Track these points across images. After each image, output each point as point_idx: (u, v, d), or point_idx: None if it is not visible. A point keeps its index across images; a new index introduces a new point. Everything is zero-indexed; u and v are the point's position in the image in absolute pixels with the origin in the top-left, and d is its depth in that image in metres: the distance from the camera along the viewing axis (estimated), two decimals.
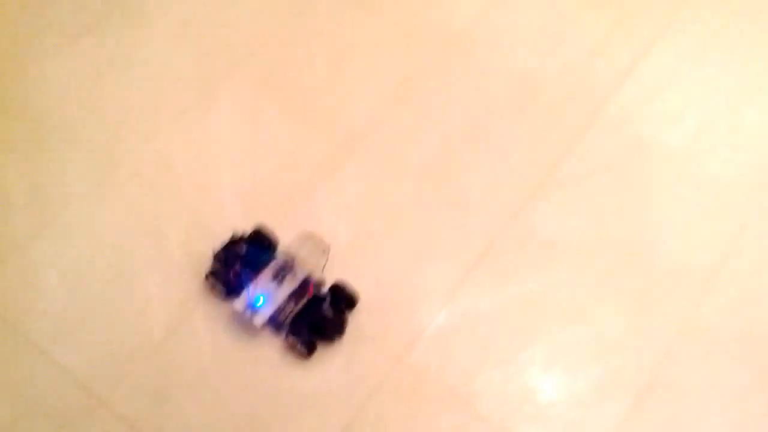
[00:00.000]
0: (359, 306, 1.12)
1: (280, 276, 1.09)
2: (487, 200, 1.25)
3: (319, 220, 1.21)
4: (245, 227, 1.16)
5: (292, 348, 1.09)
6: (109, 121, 1.34)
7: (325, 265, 1.12)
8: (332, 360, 1.09)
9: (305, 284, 1.10)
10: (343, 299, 1.12)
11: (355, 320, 1.12)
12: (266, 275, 1.10)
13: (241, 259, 1.11)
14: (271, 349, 1.10)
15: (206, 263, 1.14)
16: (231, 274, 1.11)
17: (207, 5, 1.50)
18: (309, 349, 1.08)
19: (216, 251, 1.14)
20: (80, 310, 1.14)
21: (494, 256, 1.18)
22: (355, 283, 1.12)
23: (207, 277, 1.14)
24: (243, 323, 1.11)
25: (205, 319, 1.13)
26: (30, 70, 1.40)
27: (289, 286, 1.09)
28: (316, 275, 1.11)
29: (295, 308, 1.09)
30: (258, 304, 1.07)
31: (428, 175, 1.28)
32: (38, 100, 1.37)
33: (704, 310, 1.13)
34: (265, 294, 1.08)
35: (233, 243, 1.14)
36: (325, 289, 1.12)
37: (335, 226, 1.20)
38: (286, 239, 1.14)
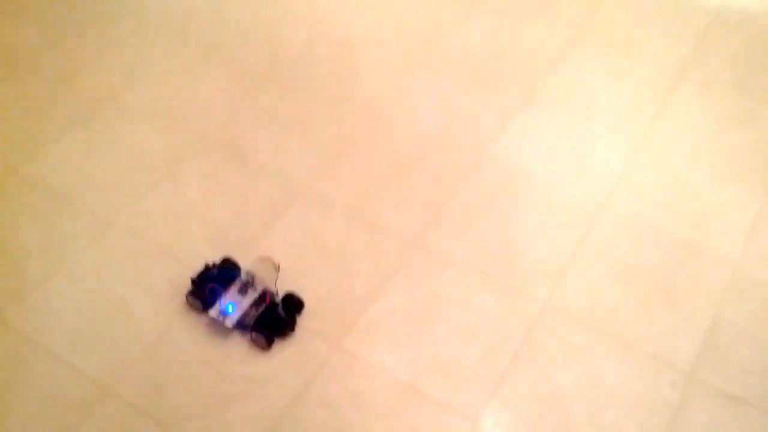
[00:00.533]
0: (305, 309, 1.50)
1: (244, 290, 1.47)
2: (399, 226, 1.65)
3: (270, 249, 1.59)
4: (215, 258, 1.54)
5: (255, 342, 1.45)
6: (103, 189, 1.72)
7: (277, 280, 1.49)
8: (287, 350, 1.46)
9: (263, 295, 1.47)
10: (293, 304, 1.49)
11: (302, 320, 1.49)
12: (233, 290, 1.47)
13: (214, 279, 1.49)
14: (239, 345, 1.46)
15: (186, 287, 1.51)
16: (206, 291, 1.48)
17: (174, 99, 1.92)
18: (268, 342, 1.44)
19: (193, 276, 1.51)
20: (89, 328, 1.48)
21: (406, 269, 1.58)
22: (301, 292, 1.50)
23: (187, 296, 1.50)
24: (217, 327, 1.47)
25: (187, 328, 1.48)
26: (39, 153, 1.78)
27: (251, 296, 1.46)
28: (271, 288, 1.48)
29: (256, 313, 1.46)
30: (228, 311, 1.44)
31: (351, 212, 1.68)
32: (47, 175, 1.74)
33: (557, 293, 1.54)
34: (233, 303, 1.45)
35: (206, 269, 1.52)
36: (279, 297, 1.49)
37: (283, 252, 1.58)
38: (246, 263, 1.52)
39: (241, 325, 1.45)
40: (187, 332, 1.48)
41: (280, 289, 1.49)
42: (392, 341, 1.47)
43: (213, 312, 1.45)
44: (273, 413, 1.37)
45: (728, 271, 1.58)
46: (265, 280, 1.48)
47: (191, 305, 1.50)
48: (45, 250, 1.61)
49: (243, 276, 1.49)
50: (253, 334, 1.44)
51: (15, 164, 1.76)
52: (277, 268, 1.50)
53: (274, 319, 1.46)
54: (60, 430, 1.35)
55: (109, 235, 1.64)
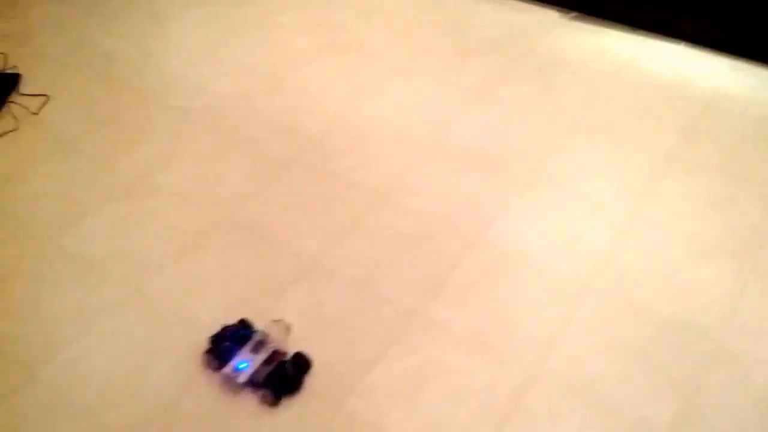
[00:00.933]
0: (313, 370, 1.63)
1: (256, 349, 1.61)
2: (401, 297, 1.79)
3: (282, 317, 1.74)
4: (231, 320, 1.69)
5: (264, 400, 1.58)
6: (133, 260, 1.90)
7: (287, 340, 1.63)
8: (293, 408, 1.58)
9: (274, 354, 1.61)
10: (301, 363, 1.62)
11: (309, 381, 1.62)
12: (247, 349, 1.61)
13: (229, 339, 1.63)
14: (250, 401, 1.59)
15: (203, 346, 1.65)
16: (221, 349, 1.62)
17: (202, 179, 2.12)
18: (276, 400, 1.57)
19: (212, 336, 1.66)
20: (115, 386, 1.63)
21: (405, 337, 1.71)
22: (310, 352, 1.64)
23: (204, 354, 1.64)
24: (230, 384, 1.60)
25: (203, 386, 1.62)
26: (78, 226, 1.98)
27: (263, 355, 1.60)
28: (282, 348, 1.62)
29: (266, 370, 1.59)
30: (241, 368, 1.58)
31: (357, 285, 1.83)
32: (84, 246, 1.93)
33: (544, 362, 1.65)
34: (246, 361, 1.59)
35: (223, 330, 1.67)
36: (289, 356, 1.63)
37: (293, 320, 1.73)
38: (260, 324, 1.67)
39: (251, 383, 1.58)
40: (202, 390, 1.61)
41: (290, 351, 1.63)
42: (390, 404, 1.59)
43: (227, 369, 1.59)
44: None
45: (707, 344, 1.69)
46: (277, 341, 1.63)
47: (208, 363, 1.64)
48: (78, 313, 1.77)
49: (257, 336, 1.64)
50: (263, 392, 1.58)
51: (56, 235, 1.96)
52: (288, 330, 1.64)
53: (283, 377, 1.59)
54: None
55: (136, 301, 1.80)
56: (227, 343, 1.62)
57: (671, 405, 1.58)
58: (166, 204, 2.05)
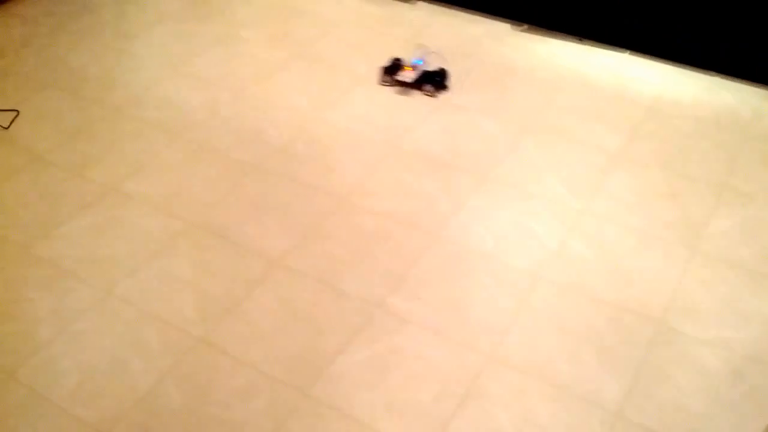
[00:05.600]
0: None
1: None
2: (363, 292, 1.89)
3: (250, 313, 1.81)
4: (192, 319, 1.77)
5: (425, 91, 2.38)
6: (104, 265, 1.97)
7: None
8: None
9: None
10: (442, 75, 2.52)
11: (272, 372, 1.71)
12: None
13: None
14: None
15: (176, 344, 1.73)
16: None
17: (170, 186, 2.19)
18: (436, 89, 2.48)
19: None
20: (90, 383, 1.69)
21: (368, 328, 1.80)
22: (273, 352, 1.72)
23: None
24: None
25: (175, 383, 1.69)
26: (50, 233, 2.04)
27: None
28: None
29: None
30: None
31: (319, 284, 1.92)
32: (57, 252, 1.99)
33: (499, 347, 1.76)
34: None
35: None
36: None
37: (260, 316, 1.81)
38: None
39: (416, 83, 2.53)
40: (175, 387, 1.69)
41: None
42: (355, 389, 1.68)
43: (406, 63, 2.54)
44: None
45: (652, 326, 1.81)
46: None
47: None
48: (53, 316, 1.84)
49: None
50: (425, 86, 2.55)
51: (29, 242, 2.02)
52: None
53: (435, 76, 2.55)
54: None
55: (109, 304, 1.87)
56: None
57: (619, 383, 1.69)
58: (137, 211, 2.12)
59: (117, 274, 1.94)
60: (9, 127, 2.44)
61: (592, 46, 2.81)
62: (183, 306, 1.86)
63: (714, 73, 2.66)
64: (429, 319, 1.83)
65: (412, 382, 1.69)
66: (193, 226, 2.08)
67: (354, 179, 2.23)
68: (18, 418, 1.62)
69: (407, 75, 2.54)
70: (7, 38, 2.88)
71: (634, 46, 2.76)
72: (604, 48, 2.80)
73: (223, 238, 2.04)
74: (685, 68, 2.69)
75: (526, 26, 2.91)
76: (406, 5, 3.03)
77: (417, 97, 2.54)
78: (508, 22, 2.93)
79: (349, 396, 1.67)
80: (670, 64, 2.71)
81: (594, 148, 2.33)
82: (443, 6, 3.02)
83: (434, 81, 2.54)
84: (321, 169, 2.27)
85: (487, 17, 2.97)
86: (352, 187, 2.20)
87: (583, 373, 1.71)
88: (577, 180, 2.22)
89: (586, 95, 2.56)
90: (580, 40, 2.83)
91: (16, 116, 2.48)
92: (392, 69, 2.60)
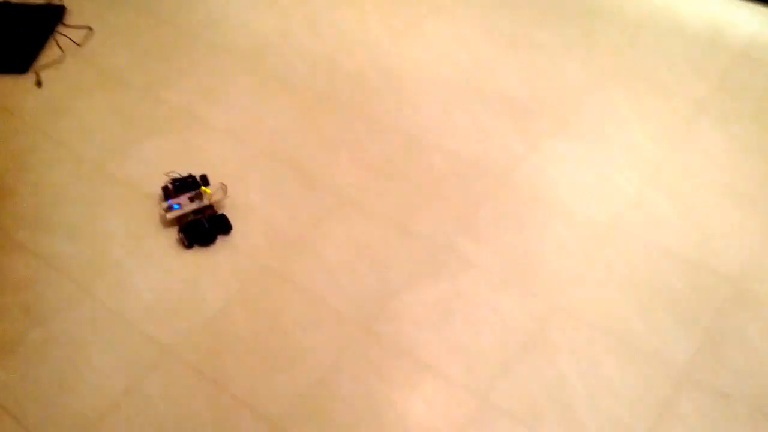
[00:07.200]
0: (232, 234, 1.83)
1: (193, 199, 1.88)
2: (431, 232, 1.86)
3: (317, 246, 1.82)
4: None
5: (180, 241, 1.84)
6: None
7: (222, 201, 1.90)
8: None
9: (206, 208, 1.88)
10: (220, 223, 1.86)
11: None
12: (186, 196, 1.88)
13: (177, 187, 1.91)
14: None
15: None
16: (166, 191, 1.91)
17: (243, 115, 2.18)
18: (188, 244, 1.83)
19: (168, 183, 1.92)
20: (161, 300, 1.73)
21: (435, 268, 1.79)
22: (343, 281, 1.72)
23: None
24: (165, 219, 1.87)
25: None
26: (123, 154, 2.06)
27: (196, 205, 1.87)
28: (218, 206, 1.90)
29: (191, 218, 1.86)
30: (174, 207, 1.86)
31: (386, 222, 1.90)
32: (129, 173, 2.02)
33: (567, 297, 1.72)
34: (179, 204, 1.86)
35: (174, 180, 1.93)
36: (218, 214, 1.89)
37: (328, 249, 1.81)
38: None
39: (179, 222, 1.87)
40: (241, 312, 1.71)
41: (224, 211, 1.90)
42: (417, 329, 1.67)
43: (164, 204, 1.87)
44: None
45: (728, 286, 1.74)
46: (222, 202, 1.91)
47: (160, 198, 1.92)
48: (124, 235, 1.87)
49: (198, 190, 1.89)
50: (180, 234, 1.84)
51: (104, 161, 2.05)
52: (225, 191, 1.91)
53: (200, 228, 1.84)
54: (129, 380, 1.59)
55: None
56: (173, 185, 1.92)
57: (690, 343, 1.64)
58: (209, 135, 2.13)
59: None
60: (83, 45, 2.46)
61: None
62: (251, 233, 1.87)
63: None
64: (496, 264, 1.80)
65: (474, 325, 1.68)
66: (264, 155, 2.07)
67: (427, 117, 2.17)
68: (91, 333, 1.68)
69: (168, 213, 1.89)
70: None
71: None
72: None
73: (294, 169, 2.03)
74: None
75: None
76: None
77: (496, 33, 2.44)
78: None
79: (411, 335, 1.66)
80: (765, 6, 2.53)
81: (680, 96, 2.22)
82: None
83: (194, 231, 1.86)
84: (394, 104, 2.22)
85: None
86: (426, 125, 2.15)
87: (653, 330, 1.66)
88: (661, 128, 2.12)
89: (674, 37, 2.42)
90: None
91: (91, 34, 2.49)
92: (165, 193, 1.94)
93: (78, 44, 2.45)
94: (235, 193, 1.96)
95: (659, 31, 2.44)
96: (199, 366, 1.61)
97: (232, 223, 1.87)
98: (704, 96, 2.21)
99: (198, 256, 1.82)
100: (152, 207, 1.93)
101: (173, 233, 1.87)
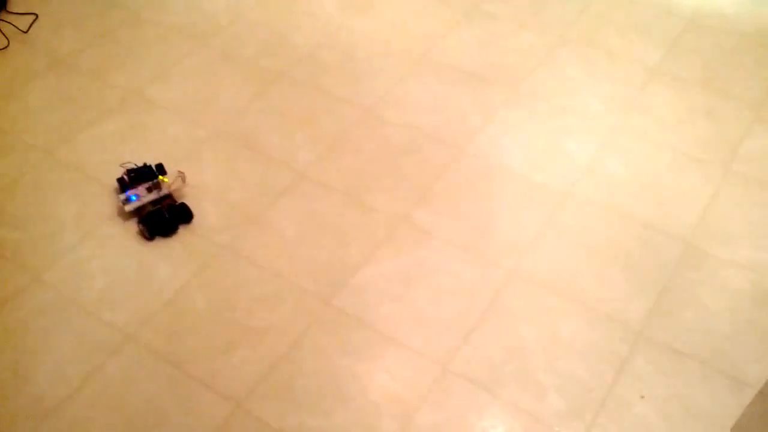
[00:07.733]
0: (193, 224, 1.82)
1: (151, 189, 1.82)
2: (389, 205, 1.87)
3: (274, 222, 1.81)
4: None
5: (141, 232, 1.80)
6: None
7: (182, 190, 1.87)
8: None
9: (165, 198, 1.83)
10: (181, 213, 1.81)
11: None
12: (144, 186, 1.82)
13: (133, 174, 1.85)
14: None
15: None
16: (122, 181, 1.85)
17: (195, 94, 2.15)
18: (150, 236, 1.79)
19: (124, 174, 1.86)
20: (117, 285, 1.71)
21: (393, 241, 1.79)
22: (302, 258, 1.72)
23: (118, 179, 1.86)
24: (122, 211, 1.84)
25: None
26: (74, 138, 2.02)
27: (154, 196, 1.82)
28: (176, 196, 1.85)
29: (150, 209, 1.80)
30: (132, 199, 1.80)
31: (347, 194, 1.89)
32: (80, 157, 1.98)
33: (524, 263, 1.74)
34: (137, 195, 1.80)
35: (129, 170, 1.86)
36: (178, 203, 1.83)
37: (286, 225, 1.81)
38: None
39: (139, 215, 1.82)
40: (199, 292, 1.70)
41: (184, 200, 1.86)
42: (377, 301, 1.68)
43: (121, 196, 1.81)
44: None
45: (681, 246, 1.77)
46: (175, 189, 1.85)
47: (116, 190, 1.89)
48: (78, 220, 1.84)
49: (156, 180, 1.84)
50: (140, 226, 1.80)
51: (53, 147, 2.01)
52: (183, 179, 1.85)
53: (160, 218, 1.79)
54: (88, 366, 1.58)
55: None
56: (129, 176, 1.85)
57: (644, 302, 1.67)
58: (160, 117, 2.09)
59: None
60: (28, 30, 2.40)
61: None
62: (207, 213, 1.85)
63: None
64: (454, 234, 1.81)
65: (434, 295, 1.69)
66: (217, 134, 2.05)
67: (380, 89, 2.17)
68: (45, 321, 1.65)
69: (126, 205, 1.83)
70: None
71: None
72: None
73: (248, 147, 2.02)
74: None
75: None
76: None
77: (448, 4, 2.44)
78: None
79: (372, 307, 1.67)
80: None
81: (631, 62, 2.24)
82: None
83: (155, 222, 1.81)
84: (348, 78, 2.20)
85: None
86: (380, 98, 2.15)
87: (608, 291, 1.69)
88: (613, 95, 2.14)
89: (625, 4, 2.44)
90: None
91: (35, 20, 2.43)
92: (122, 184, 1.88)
93: (24, 31, 2.39)
94: (191, 174, 1.93)
95: (610, 1, 2.46)
96: (159, 348, 1.60)
97: (190, 205, 1.84)
98: (655, 62, 2.24)
99: (156, 241, 1.80)
100: (106, 193, 1.90)
101: (130, 221, 1.84)
